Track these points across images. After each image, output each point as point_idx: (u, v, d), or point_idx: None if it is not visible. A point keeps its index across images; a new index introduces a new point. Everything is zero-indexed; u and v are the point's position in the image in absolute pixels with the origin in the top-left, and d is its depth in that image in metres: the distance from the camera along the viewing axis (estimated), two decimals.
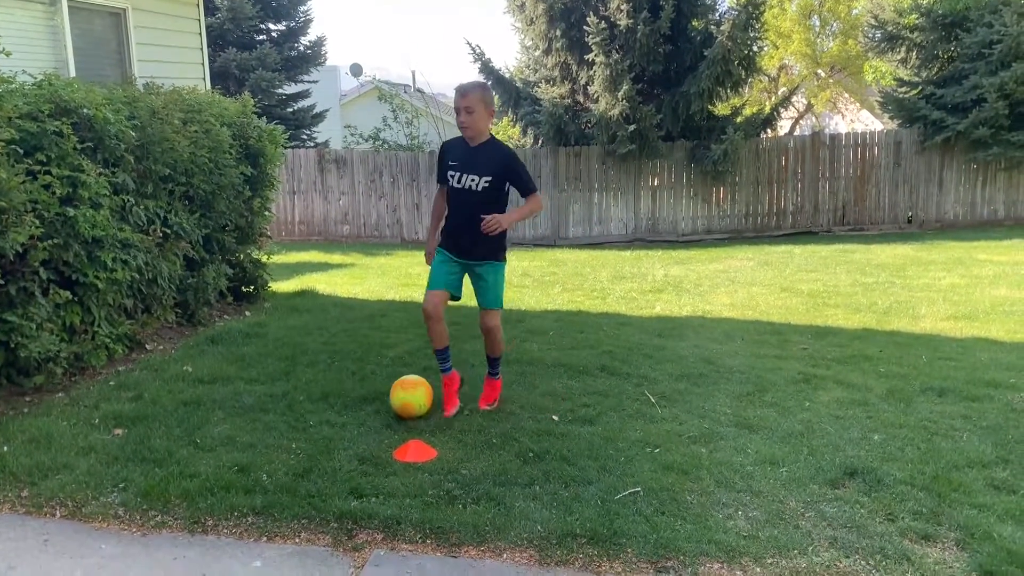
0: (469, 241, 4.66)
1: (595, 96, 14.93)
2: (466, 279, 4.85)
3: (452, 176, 4.63)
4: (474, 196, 4.58)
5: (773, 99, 19.20)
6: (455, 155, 4.67)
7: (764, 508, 3.57)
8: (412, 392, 4.65)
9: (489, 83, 16.50)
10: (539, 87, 16.13)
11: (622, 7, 14.43)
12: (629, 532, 3.32)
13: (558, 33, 15.32)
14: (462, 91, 4.58)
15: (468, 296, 4.90)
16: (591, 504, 3.57)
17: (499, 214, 4.48)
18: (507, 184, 4.65)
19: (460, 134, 4.67)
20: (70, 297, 5.08)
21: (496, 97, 17.49)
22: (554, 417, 4.66)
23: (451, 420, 4.61)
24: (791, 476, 3.88)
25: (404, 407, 4.61)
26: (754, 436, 4.41)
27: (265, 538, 3.36)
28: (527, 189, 4.67)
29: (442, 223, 4.85)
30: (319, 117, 20.03)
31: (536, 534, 3.33)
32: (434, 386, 4.83)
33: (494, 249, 4.73)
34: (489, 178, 4.56)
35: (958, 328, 7.03)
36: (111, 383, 5.23)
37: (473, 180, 4.57)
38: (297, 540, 3.34)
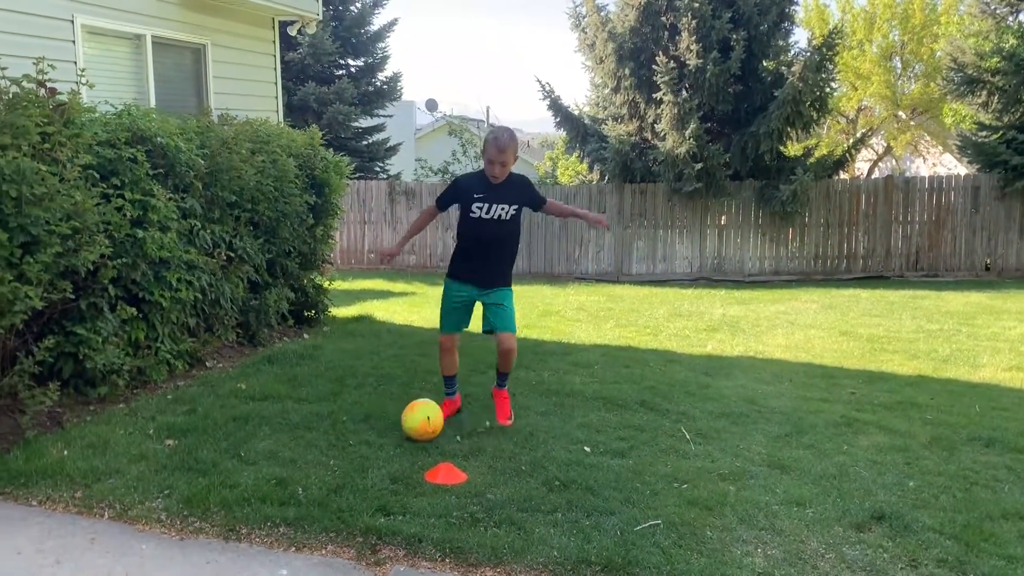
0: (494, 269, 5.10)
1: (662, 134, 14.99)
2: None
3: (480, 208, 4.96)
4: (502, 224, 5.00)
5: (850, 140, 18.90)
6: (478, 189, 4.99)
7: (784, 547, 3.56)
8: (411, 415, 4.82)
9: (558, 119, 16.74)
10: (607, 124, 16.27)
11: (692, 47, 14.50)
12: (643, 562, 3.36)
13: (627, 72, 15.47)
14: (502, 147, 4.85)
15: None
16: (610, 534, 3.62)
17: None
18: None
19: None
20: (136, 314, 5.41)
21: (564, 133, 17.72)
22: (586, 448, 4.73)
23: (485, 446, 4.70)
24: (816, 517, 3.86)
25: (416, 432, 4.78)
26: (785, 476, 4.39)
27: (294, 548, 3.51)
28: (543, 199, 5.21)
29: (416, 237, 5.33)
30: (392, 150, 20.56)
31: (552, 559, 3.40)
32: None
33: (509, 276, 5.18)
34: (517, 206, 5.06)
35: (1019, 379, 6.81)
36: (169, 396, 5.51)
37: (503, 209, 4.99)
38: (323, 552, 3.48)
